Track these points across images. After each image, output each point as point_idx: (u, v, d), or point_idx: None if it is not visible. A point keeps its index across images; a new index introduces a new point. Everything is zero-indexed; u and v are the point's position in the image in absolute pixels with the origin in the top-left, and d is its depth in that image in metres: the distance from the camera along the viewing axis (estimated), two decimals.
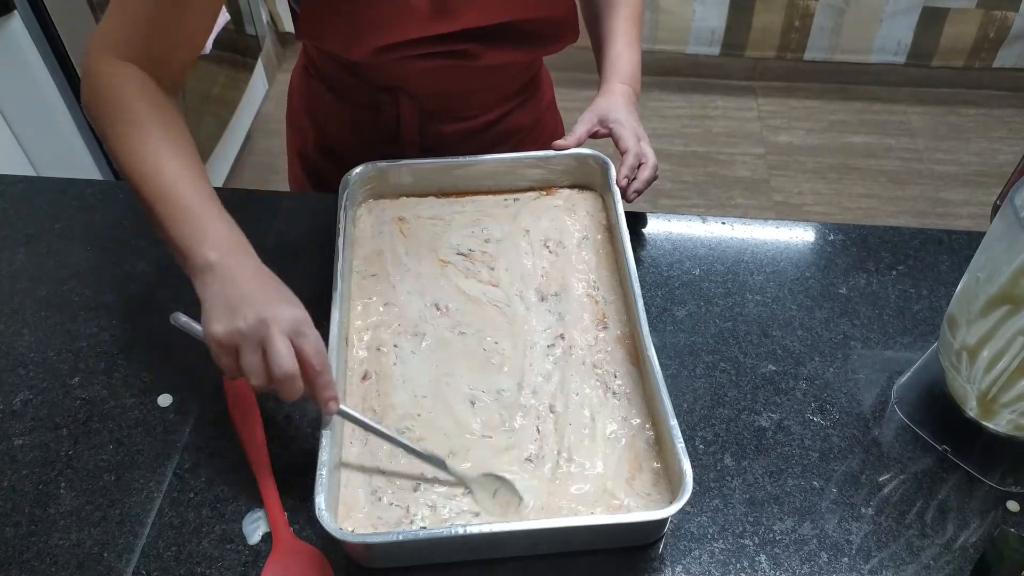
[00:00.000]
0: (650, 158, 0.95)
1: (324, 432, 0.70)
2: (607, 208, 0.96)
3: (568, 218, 0.95)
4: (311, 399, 0.70)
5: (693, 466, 0.68)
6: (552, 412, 0.77)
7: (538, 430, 0.76)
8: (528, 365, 0.81)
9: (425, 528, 0.69)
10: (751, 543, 0.73)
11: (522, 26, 0.93)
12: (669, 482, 0.71)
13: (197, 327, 0.71)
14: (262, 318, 0.66)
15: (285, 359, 0.65)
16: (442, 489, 0.72)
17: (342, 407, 0.71)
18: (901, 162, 2.51)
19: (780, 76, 2.76)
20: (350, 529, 0.69)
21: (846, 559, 0.72)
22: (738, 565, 0.71)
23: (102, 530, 0.73)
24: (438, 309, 0.86)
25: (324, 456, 0.68)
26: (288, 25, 2.70)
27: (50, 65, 1.58)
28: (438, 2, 0.87)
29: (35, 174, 1.67)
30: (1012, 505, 0.75)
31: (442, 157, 0.96)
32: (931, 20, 2.55)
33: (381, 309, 0.86)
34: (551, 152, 0.96)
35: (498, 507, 0.72)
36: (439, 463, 0.72)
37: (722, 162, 2.50)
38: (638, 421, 0.77)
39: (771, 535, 0.73)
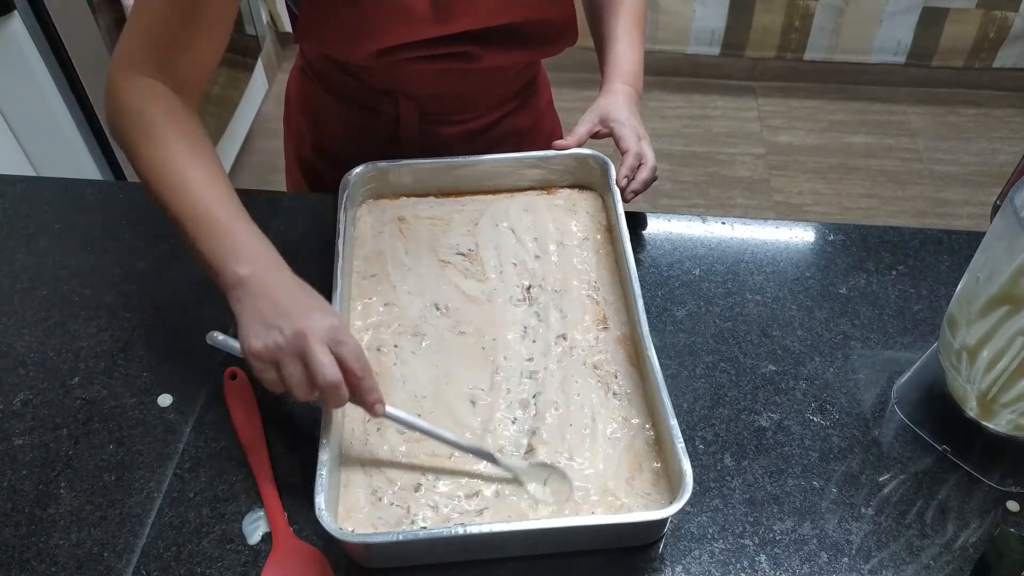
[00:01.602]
0: (649, 159, 0.95)
1: (324, 432, 0.70)
2: (607, 208, 0.96)
3: (568, 218, 0.95)
4: (357, 404, 0.70)
5: (693, 466, 0.68)
6: (554, 411, 0.77)
7: (539, 430, 0.76)
8: (528, 365, 0.81)
9: (425, 528, 0.69)
10: (751, 543, 0.73)
11: (522, 28, 0.93)
12: (669, 482, 0.71)
13: (234, 343, 0.72)
14: (299, 330, 0.66)
15: (328, 368, 0.65)
16: (444, 489, 0.72)
17: (388, 409, 0.71)
18: (901, 162, 2.51)
19: (780, 76, 2.76)
20: (350, 529, 0.69)
21: (846, 559, 0.72)
22: (738, 565, 0.71)
23: (102, 530, 0.73)
24: (438, 309, 0.86)
25: (324, 456, 0.68)
26: (288, 25, 2.70)
27: (50, 65, 1.58)
28: (439, 5, 0.87)
29: (35, 174, 1.67)
30: (1012, 505, 0.75)
31: (442, 157, 0.97)
32: (931, 20, 2.55)
33: (381, 309, 0.86)
34: (551, 152, 0.96)
35: (551, 495, 0.72)
36: (488, 457, 0.73)
37: (722, 162, 2.50)
38: (638, 421, 0.77)
39: (771, 535, 0.73)
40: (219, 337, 0.75)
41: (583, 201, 0.98)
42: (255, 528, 0.73)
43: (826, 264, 0.96)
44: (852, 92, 2.73)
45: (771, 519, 0.74)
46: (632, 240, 0.88)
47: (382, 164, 0.95)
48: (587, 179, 0.99)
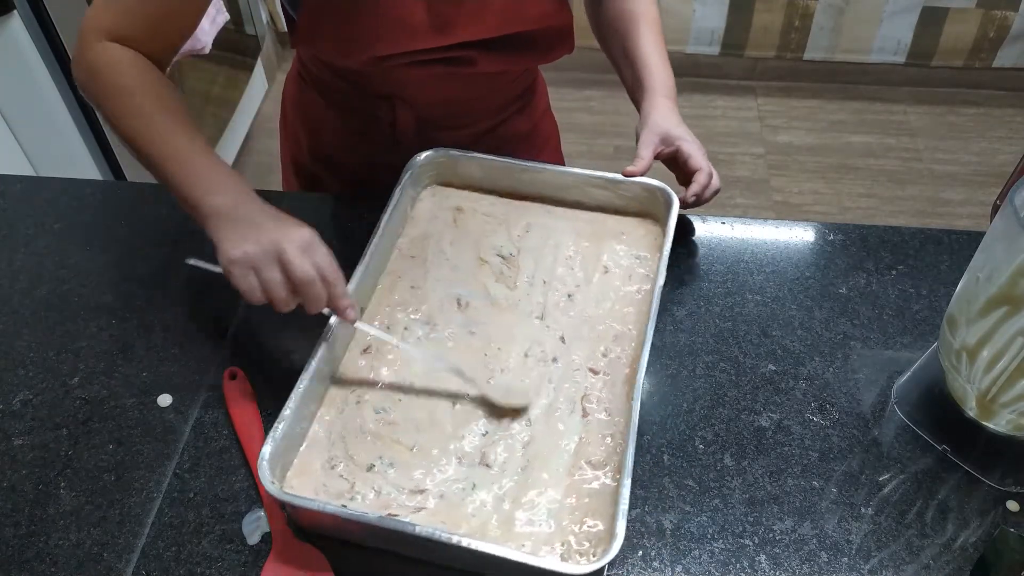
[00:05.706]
0: (716, 176, 0.94)
1: (294, 393, 0.72)
2: (658, 246, 0.92)
3: (617, 246, 0.93)
4: (332, 312, 0.75)
5: (693, 466, 0.68)
6: (528, 434, 0.76)
7: (509, 449, 0.75)
8: (522, 383, 0.80)
9: (345, 507, 0.68)
10: (751, 543, 0.73)
11: (519, 37, 0.93)
12: (611, 536, 0.65)
13: (212, 265, 0.76)
14: (274, 238, 0.72)
15: (303, 265, 0.71)
16: (393, 477, 0.72)
17: (359, 324, 0.77)
18: (901, 162, 2.51)
19: (780, 76, 2.76)
20: (292, 487, 0.71)
21: (846, 559, 0.72)
22: (738, 565, 0.71)
23: (102, 530, 0.73)
24: (459, 304, 0.86)
25: (287, 412, 0.70)
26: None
27: (50, 65, 1.58)
28: (437, 16, 0.86)
29: (35, 174, 1.67)
30: (1012, 505, 0.75)
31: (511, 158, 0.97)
32: (931, 20, 2.55)
33: (408, 289, 0.87)
34: (620, 177, 0.94)
35: (512, 400, 0.78)
36: (457, 371, 0.78)
37: (722, 162, 2.50)
38: (608, 467, 0.73)
39: (771, 535, 0.73)
40: (195, 261, 0.79)
41: (637, 231, 0.95)
42: (255, 528, 0.73)
43: (826, 264, 0.96)
44: (852, 92, 2.73)
45: (771, 519, 0.74)
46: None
47: (454, 152, 0.96)
48: (650, 209, 0.96)
